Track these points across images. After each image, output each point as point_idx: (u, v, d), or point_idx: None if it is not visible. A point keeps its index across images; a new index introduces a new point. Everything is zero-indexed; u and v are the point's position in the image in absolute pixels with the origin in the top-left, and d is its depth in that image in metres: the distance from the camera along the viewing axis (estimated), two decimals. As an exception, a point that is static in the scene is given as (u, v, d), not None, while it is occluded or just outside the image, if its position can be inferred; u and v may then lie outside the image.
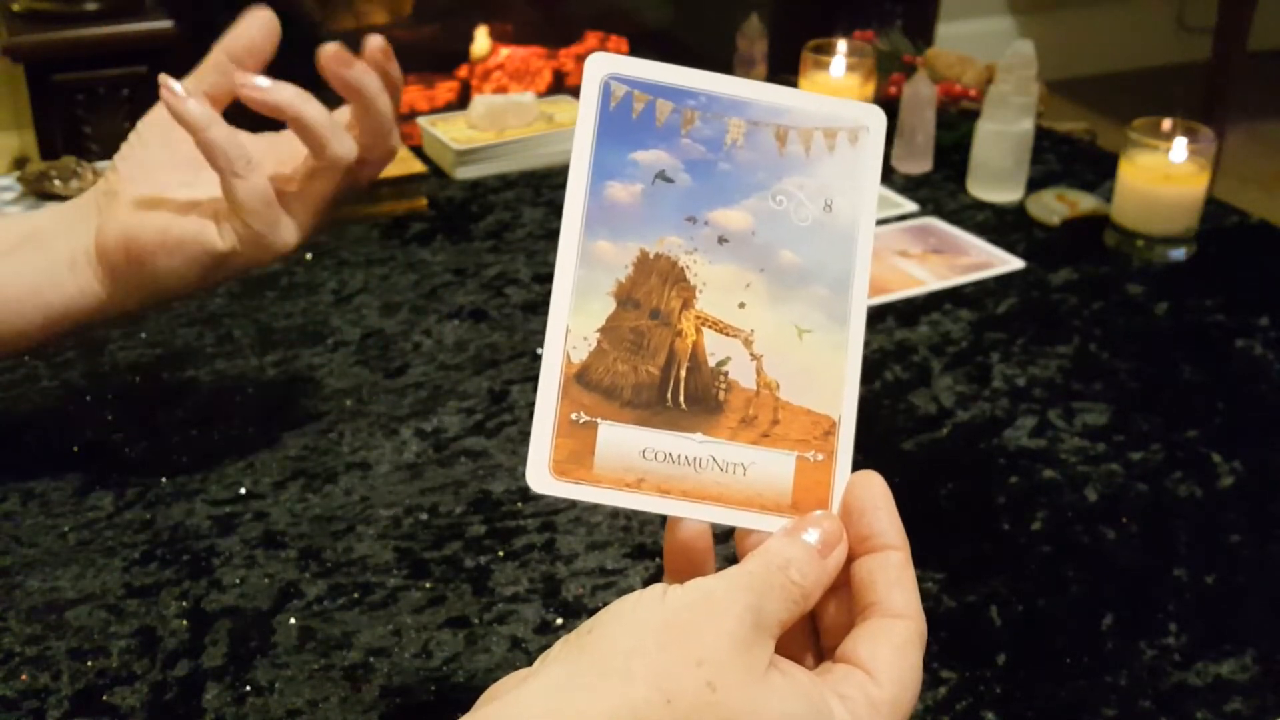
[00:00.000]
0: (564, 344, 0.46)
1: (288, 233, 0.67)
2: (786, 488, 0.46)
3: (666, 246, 0.47)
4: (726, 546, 0.48)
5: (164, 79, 0.66)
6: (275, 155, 0.69)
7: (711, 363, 0.47)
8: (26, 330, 0.68)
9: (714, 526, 0.46)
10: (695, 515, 0.46)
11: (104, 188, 0.68)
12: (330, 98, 0.67)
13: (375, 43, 0.68)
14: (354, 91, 0.67)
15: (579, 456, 0.45)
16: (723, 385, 0.46)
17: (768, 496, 0.46)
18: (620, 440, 0.45)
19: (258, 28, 0.68)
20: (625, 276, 0.47)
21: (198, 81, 0.68)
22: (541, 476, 0.45)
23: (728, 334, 0.47)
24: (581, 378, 0.46)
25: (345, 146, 0.67)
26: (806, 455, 0.46)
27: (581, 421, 0.46)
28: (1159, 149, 1.07)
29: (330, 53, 0.66)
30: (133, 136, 0.69)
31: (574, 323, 0.46)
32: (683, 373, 0.46)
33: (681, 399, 0.46)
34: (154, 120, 0.69)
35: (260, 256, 0.67)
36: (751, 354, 0.47)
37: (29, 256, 0.68)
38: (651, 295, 0.47)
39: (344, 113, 0.69)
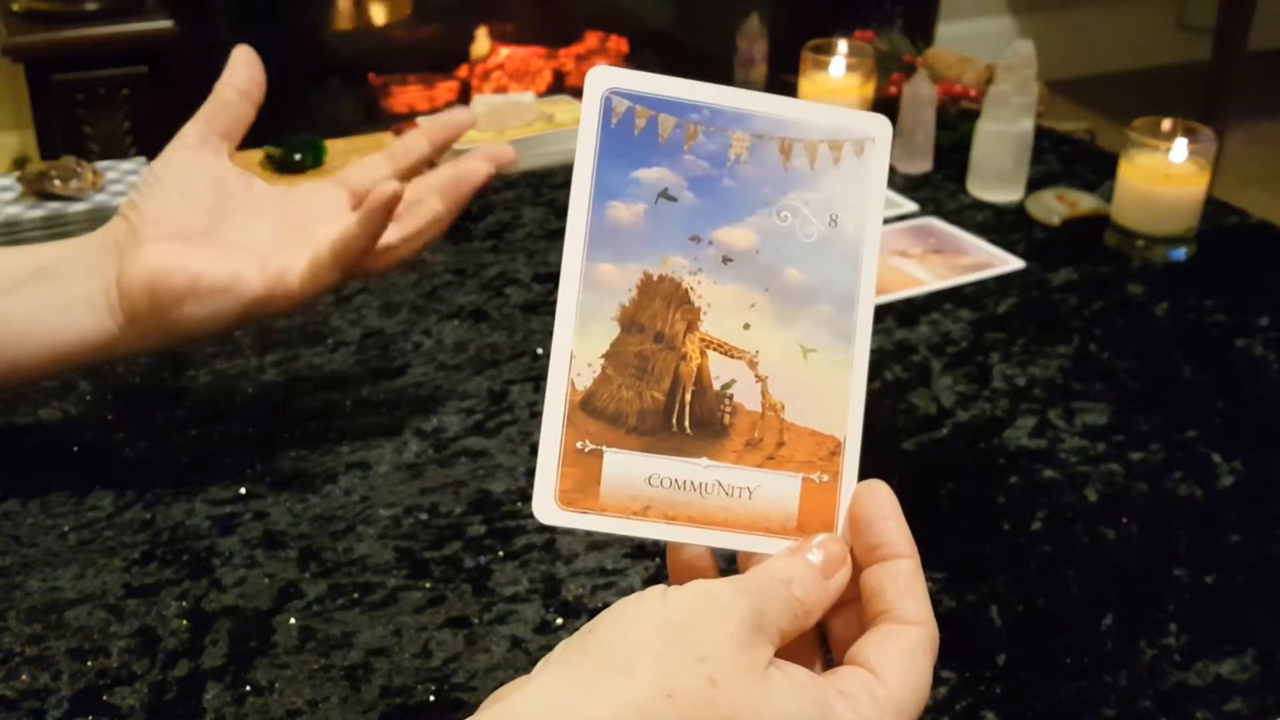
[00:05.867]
0: (568, 371, 0.45)
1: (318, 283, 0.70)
2: (792, 510, 0.46)
3: (670, 268, 0.46)
4: (731, 562, 0.48)
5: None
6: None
7: (716, 386, 0.46)
8: (31, 366, 0.68)
9: (720, 551, 0.46)
10: (701, 541, 0.46)
11: (126, 226, 0.68)
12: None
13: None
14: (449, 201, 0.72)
15: (585, 486, 0.45)
16: (728, 409, 0.46)
17: (773, 519, 0.46)
18: (626, 468, 0.45)
19: (247, 63, 0.71)
20: (629, 300, 0.46)
21: (210, 121, 0.70)
22: (548, 508, 0.45)
23: (732, 356, 0.46)
24: (586, 405, 0.45)
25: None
26: (812, 477, 0.46)
27: (587, 450, 0.45)
28: (1159, 149, 1.07)
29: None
30: (149, 176, 0.69)
31: (578, 349, 0.45)
32: (688, 397, 0.46)
33: (687, 424, 0.46)
34: (169, 163, 0.70)
35: (279, 306, 0.70)
36: (756, 376, 0.46)
37: (40, 291, 0.68)
38: (656, 319, 0.46)
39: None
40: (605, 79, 0.46)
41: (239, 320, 0.69)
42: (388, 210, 0.67)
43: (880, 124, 0.48)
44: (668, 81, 0.47)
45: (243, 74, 0.71)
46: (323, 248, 0.68)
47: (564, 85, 2.55)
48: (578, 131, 0.46)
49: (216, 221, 0.69)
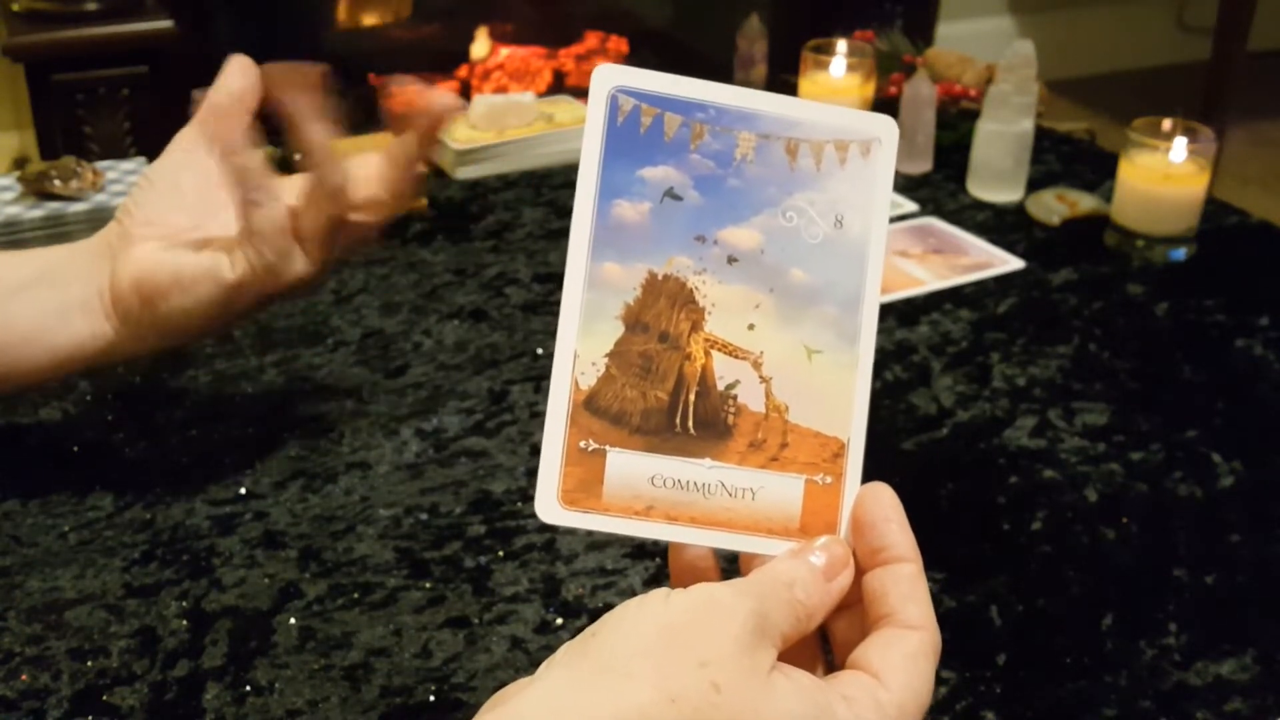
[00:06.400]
0: (572, 370, 0.45)
1: (299, 263, 0.68)
2: (795, 511, 0.46)
3: (675, 267, 0.46)
4: (733, 563, 0.48)
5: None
6: (290, 192, 0.70)
7: (720, 386, 0.46)
8: (32, 369, 0.69)
9: (722, 552, 0.46)
10: (704, 542, 0.45)
11: (119, 230, 0.69)
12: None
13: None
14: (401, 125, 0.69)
15: (588, 485, 0.45)
16: (732, 409, 0.46)
17: (776, 520, 0.46)
18: (629, 467, 0.45)
19: (241, 71, 0.69)
20: (633, 299, 0.46)
21: (203, 125, 0.69)
22: (550, 507, 0.44)
23: (737, 356, 0.46)
24: (590, 404, 0.45)
25: (335, 177, 0.68)
26: (815, 478, 0.46)
27: (590, 449, 0.45)
28: (1159, 149, 1.07)
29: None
30: (142, 180, 0.70)
31: (582, 348, 0.45)
32: (692, 397, 0.46)
33: (690, 424, 0.46)
34: (163, 166, 0.70)
35: (271, 288, 0.68)
36: (761, 376, 0.46)
37: (40, 295, 0.68)
38: (660, 318, 0.46)
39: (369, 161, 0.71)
40: (612, 77, 0.46)
41: (225, 305, 0.68)
42: (330, 162, 0.67)
43: (886, 125, 0.48)
44: (674, 80, 0.47)
45: (236, 81, 0.70)
46: (281, 211, 0.68)
47: (564, 85, 2.55)
48: (579, 131, 0.46)
49: (208, 218, 0.69)
